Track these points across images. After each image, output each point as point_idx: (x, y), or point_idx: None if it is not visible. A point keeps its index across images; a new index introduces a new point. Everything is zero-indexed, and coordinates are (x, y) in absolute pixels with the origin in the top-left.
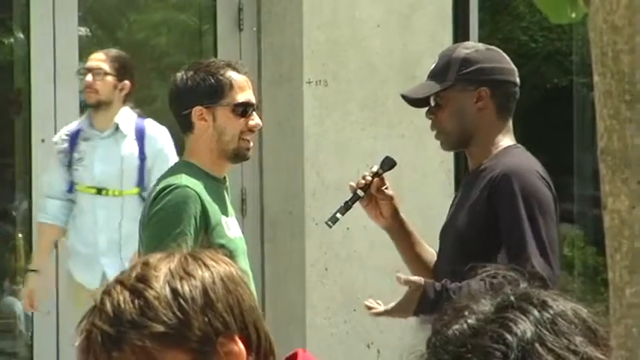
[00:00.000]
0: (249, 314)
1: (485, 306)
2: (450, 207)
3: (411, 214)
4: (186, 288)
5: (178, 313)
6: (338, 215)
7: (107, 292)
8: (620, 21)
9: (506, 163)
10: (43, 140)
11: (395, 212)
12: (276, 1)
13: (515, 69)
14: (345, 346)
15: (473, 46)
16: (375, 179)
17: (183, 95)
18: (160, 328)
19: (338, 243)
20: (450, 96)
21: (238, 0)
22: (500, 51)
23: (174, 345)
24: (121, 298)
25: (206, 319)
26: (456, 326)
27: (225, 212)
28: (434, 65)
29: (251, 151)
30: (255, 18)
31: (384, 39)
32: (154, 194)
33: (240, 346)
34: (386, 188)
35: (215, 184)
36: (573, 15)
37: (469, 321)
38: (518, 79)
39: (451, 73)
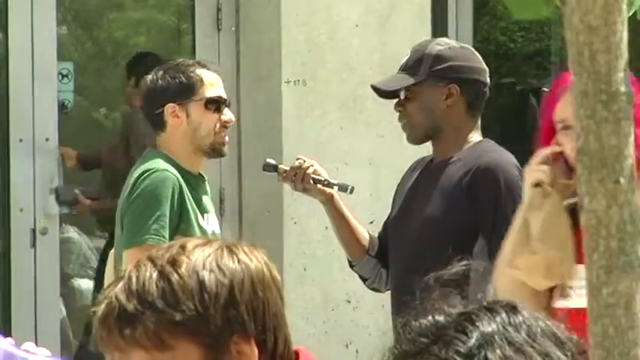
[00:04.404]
0: (270, 319)
1: (456, 307)
2: (399, 194)
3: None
4: (213, 282)
5: (199, 306)
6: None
7: (137, 266)
8: (597, 21)
9: (487, 156)
10: (20, 140)
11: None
12: (254, 1)
13: (487, 69)
14: (324, 346)
15: (446, 43)
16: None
17: (155, 95)
18: (177, 316)
19: (316, 243)
20: (421, 90)
21: (217, 0)
22: (473, 50)
23: (187, 335)
24: (147, 276)
25: (225, 318)
26: (424, 320)
27: (200, 206)
28: (406, 58)
29: (226, 147)
30: (233, 18)
31: (362, 39)
32: (132, 180)
33: (253, 349)
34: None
35: (191, 178)
36: (546, 13)
37: (437, 317)
38: (488, 79)
39: (423, 68)
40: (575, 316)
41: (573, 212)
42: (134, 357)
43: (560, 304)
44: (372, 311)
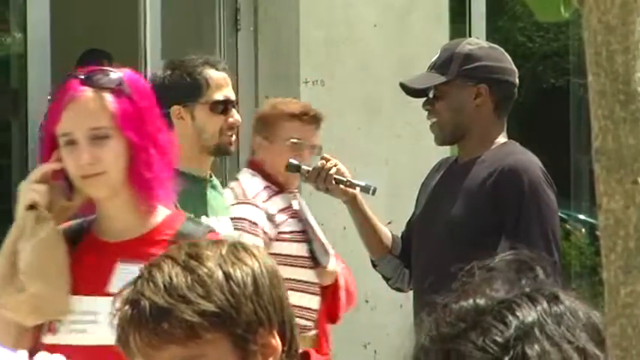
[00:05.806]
0: (287, 312)
1: (499, 292)
2: (422, 194)
3: (406, 214)
4: (238, 273)
5: (229, 296)
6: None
7: (156, 265)
8: (614, 21)
9: (512, 157)
10: None
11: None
12: (272, 0)
13: (516, 70)
14: (342, 346)
15: (477, 43)
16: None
17: (160, 95)
18: (211, 307)
19: (335, 242)
20: (450, 89)
21: (235, 0)
22: (503, 51)
23: (221, 326)
24: (173, 272)
25: (253, 308)
26: (464, 303)
27: (204, 212)
28: (436, 57)
29: (233, 146)
30: (252, 18)
31: (380, 39)
32: None
33: (277, 341)
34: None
35: (193, 184)
36: (567, 15)
37: (477, 300)
38: (517, 81)
39: (453, 67)
40: (67, 352)
41: (75, 239)
42: (166, 355)
43: (48, 339)
44: (391, 311)
